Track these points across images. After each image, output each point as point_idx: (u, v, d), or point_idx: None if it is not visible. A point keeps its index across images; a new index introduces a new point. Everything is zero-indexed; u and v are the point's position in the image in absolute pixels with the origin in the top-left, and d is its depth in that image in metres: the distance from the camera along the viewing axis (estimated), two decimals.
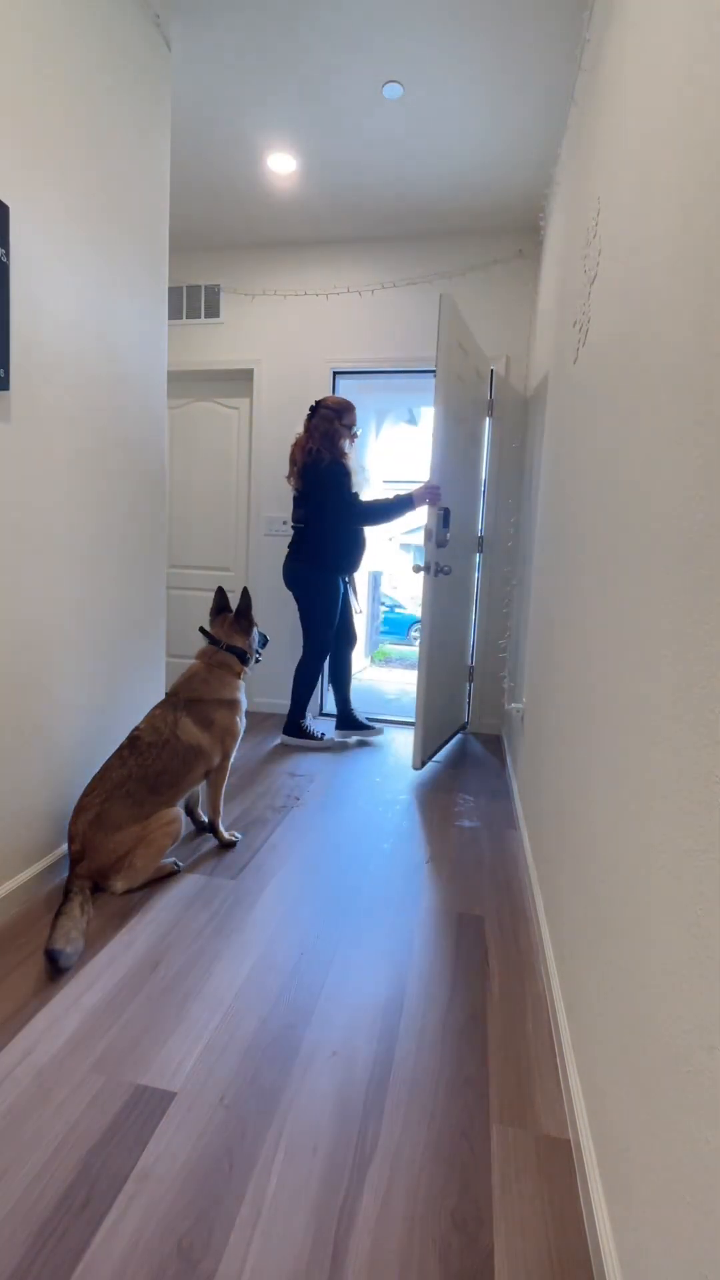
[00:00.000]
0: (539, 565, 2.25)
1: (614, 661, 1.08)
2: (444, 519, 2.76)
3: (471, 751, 3.29)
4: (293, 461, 3.03)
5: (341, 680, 3.31)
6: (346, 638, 3.26)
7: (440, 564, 2.80)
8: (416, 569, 2.83)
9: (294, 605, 3.20)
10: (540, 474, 2.36)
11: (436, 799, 2.63)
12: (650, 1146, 0.74)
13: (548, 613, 1.94)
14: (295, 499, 3.04)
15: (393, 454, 7.51)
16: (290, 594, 3.18)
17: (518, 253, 3.28)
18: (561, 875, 1.44)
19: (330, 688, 3.47)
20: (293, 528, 3.07)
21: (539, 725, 1.99)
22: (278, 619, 3.74)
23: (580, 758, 1.31)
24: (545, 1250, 0.92)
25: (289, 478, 3.07)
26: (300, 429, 3.09)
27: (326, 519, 2.95)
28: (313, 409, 3.03)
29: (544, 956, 1.54)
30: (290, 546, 3.07)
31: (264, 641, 2.27)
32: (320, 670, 3.18)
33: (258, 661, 2.24)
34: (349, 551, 3.05)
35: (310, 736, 3.18)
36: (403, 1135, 1.09)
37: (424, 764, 2.87)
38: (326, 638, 3.11)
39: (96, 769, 1.96)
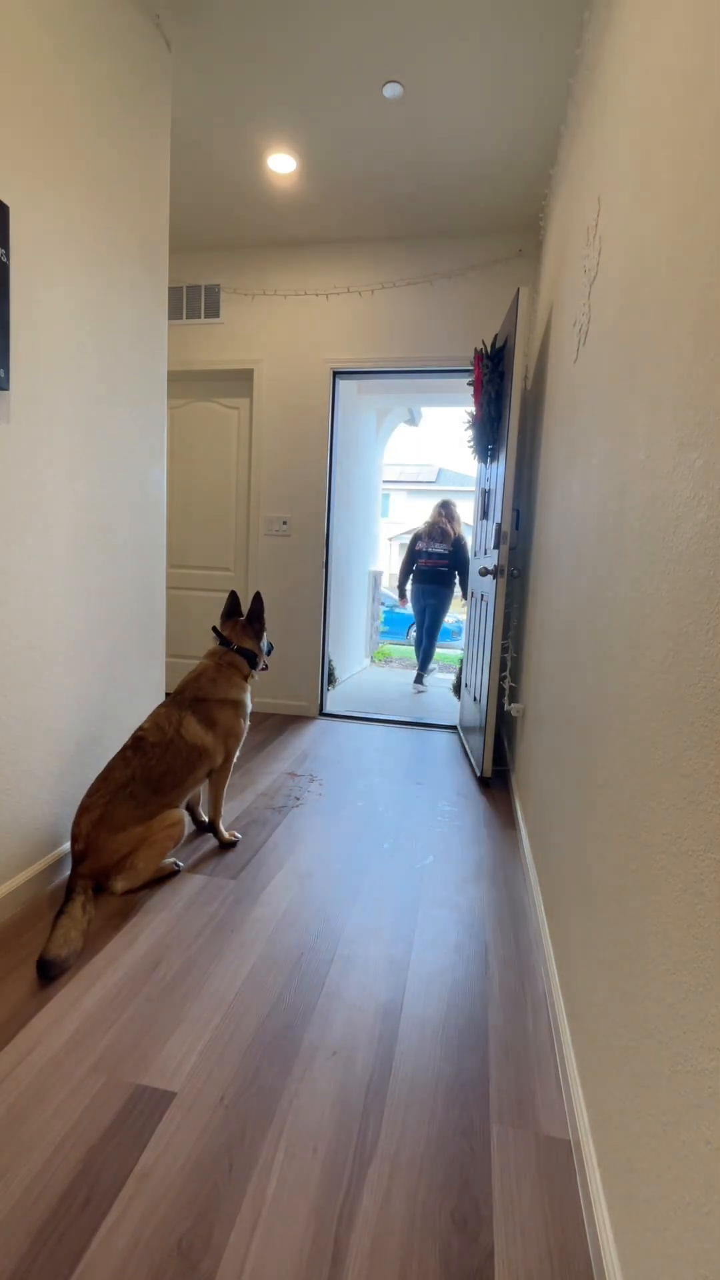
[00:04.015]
0: (538, 565, 2.25)
1: (612, 663, 1.08)
2: (516, 520, 2.71)
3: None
4: (441, 534, 4.85)
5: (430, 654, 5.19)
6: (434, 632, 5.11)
7: (512, 567, 2.73)
8: (484, 572, 2.80)
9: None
10: (539, 471, 2.36)
11: (436, 799, 2.63)
12: (650, 1146, 0.74)
13: (542, 614, 1.94)
14: (438, 553, 4.85)
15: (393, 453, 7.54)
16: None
17: (518, 252, 3.28)
18: (561, 874, 1.44)
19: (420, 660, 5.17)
20: (437, 569, 4.88)
21: (538, 726, 1.99)
22: (275, 619, 3.75)
23: (579, 757, 1.31)
24: (545, 1250, 0.92)
25: (433, 543, 4.85)
26: (430, 515, 4.91)
27: (463, 569, 4.77)
28: (444, 506, 4.93)
29: (544, 956, 1.54)
30: (433, 580, 4.90)
31: (270, 649, 2.28)
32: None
33: (264, 669, 2.24)
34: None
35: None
36: (403, 1135, 1.09)
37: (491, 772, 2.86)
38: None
39: (96, 769, 1.96)
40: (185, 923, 1.66)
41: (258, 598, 2.22)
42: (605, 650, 1.14)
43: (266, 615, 3.74)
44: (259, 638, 2.18)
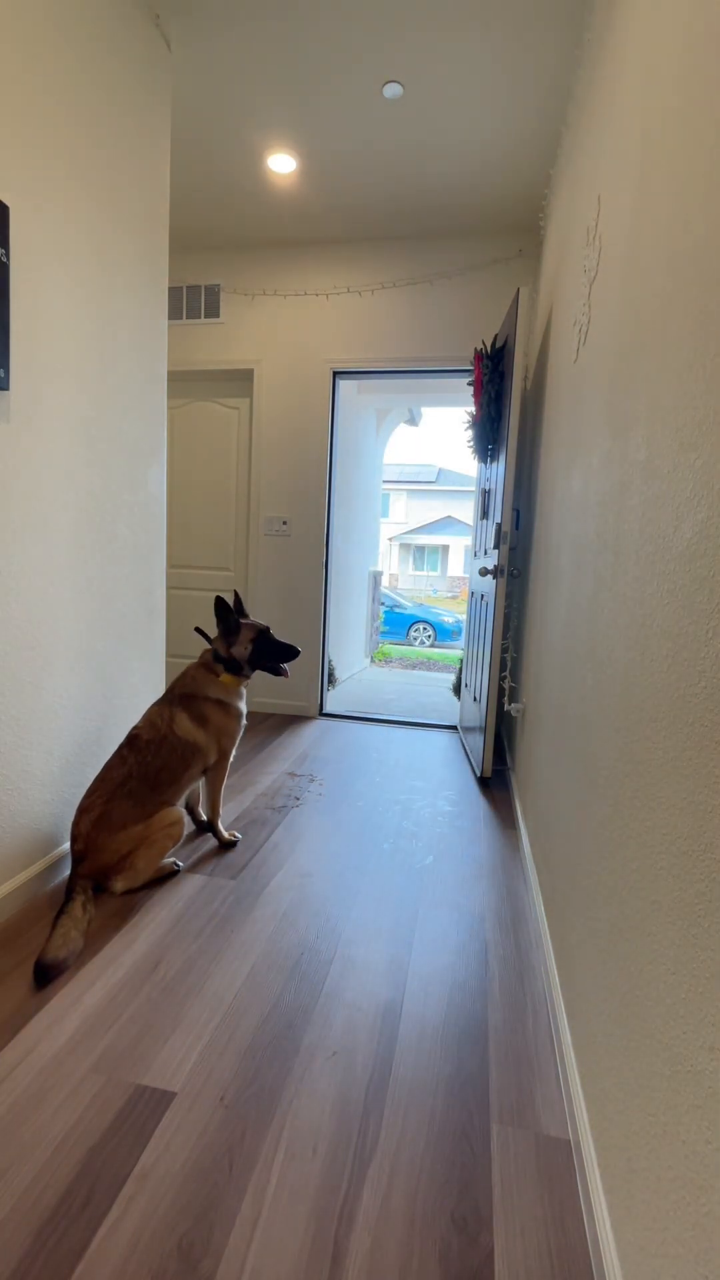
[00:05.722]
0: (538, 564, 2.25)
1: (613, 663, 1.08)
2: (516, 519, 2.72)
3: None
4: None
5: None
6: None
7: (512, 567, 2.75)
8: (484, 572, 2.82)
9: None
10: (539, 471, 2.36)
11: (436, 799, 2.63)
12: (650, 1146, 0.74)
13: (542, 613, 1.94)
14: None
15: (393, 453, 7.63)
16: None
17: (518, 252, 3.28)
18: (561, 874, 1.44)
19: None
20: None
21: (538, 726, 1.99)
22: (275, 619, 3.75)
23: (579, 757, 1.31)
24: (545, 1250, 0.92)
25: None
26: None
27: None
28: None
29: (544, 956, 1.54)
30: None
31: (289, 654, 2.09)
32: None
33: (278, 674, 2.10)
34: None
35: None
36: (403, 1135, 1.09)
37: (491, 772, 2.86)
38: None
39: (96, 769, 1.96)
40: (185, 923, 1.66)
41: (218, 602, 2.06)
42: (605, 650, 1.14)
43: (266, 616, 3.74)
44: (229, 640, 2.05)
